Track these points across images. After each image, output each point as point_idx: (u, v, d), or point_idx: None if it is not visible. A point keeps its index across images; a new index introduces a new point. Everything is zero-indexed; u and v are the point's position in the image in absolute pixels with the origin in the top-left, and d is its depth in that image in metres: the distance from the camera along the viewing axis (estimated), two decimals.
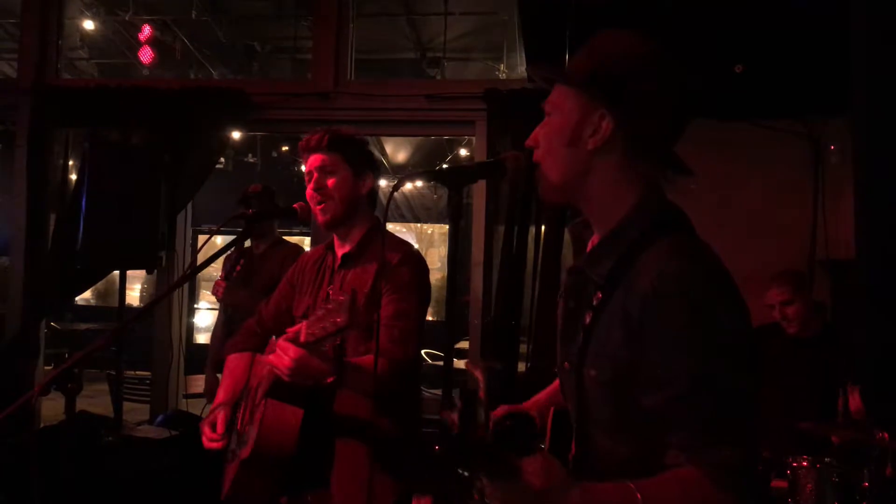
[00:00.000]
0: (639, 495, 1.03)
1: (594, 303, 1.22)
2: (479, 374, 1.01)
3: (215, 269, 3.95)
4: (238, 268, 3.57)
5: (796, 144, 4.02)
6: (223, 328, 3.80)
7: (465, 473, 0.94)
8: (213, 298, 3.79)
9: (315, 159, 2.09)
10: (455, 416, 0.96)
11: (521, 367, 4.15)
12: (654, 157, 1.23)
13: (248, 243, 3.90)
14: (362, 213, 2.15)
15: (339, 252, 2.16)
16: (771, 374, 3.16)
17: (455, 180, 1.21)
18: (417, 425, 2.15)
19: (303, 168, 2.26)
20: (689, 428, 1.07)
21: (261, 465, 1.91)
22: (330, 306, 1.65)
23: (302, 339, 1.70)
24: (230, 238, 2.04)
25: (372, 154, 2.21)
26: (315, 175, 2.08)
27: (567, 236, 4.02)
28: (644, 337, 1.12)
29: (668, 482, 1.07)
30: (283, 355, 1.73)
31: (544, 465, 1.03)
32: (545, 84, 1.31)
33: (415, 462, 2.00)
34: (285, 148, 9.18)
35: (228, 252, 3.73)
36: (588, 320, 1.22)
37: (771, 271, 3.36)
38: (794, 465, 2.51)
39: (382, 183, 10.52)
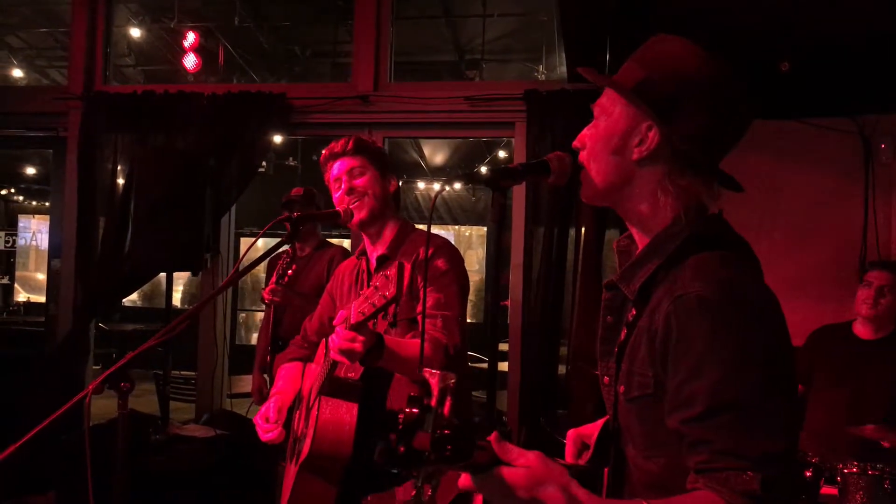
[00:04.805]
0: None
1: (629, 319, 1.21)
2: (432, 381, 1.00)
3: (258, 272, 4.00)
4: (290, 272, 3.61)
5: (846, 142, 3.92)
6: (270, 330, 3.85)
7: (397, 474, 0.94)
8: (255, 302, 3.82)
9: (342, 165, 2.15)
10: (401, 416, 0.95)
11: (562, 369, 4.13)
12: (699, 173, 1.20)
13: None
14: (391, 213, 2.19)
15: (373, 255, 2.19)
16: (835, 376, 3.09)
17: (500, 182, 1.21)
18: (469, 417, 2.15)
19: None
20: (707, 450, 1.03)
21: (319, 465, 1.90)
22: (378, 283, 1.67)
23: (353, 320, 1.71)
24: (273, 241, 2.07)
25: (391, 160, 2.27)
26: (344, 178, 2.14)
27: (604, 239, 3.99)
28: (667, 358, 1.10)
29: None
30: (334, 338, 1.74)
31: (540, 461, 0.99)
32: (600, 86, 1.29)
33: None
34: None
35: (274, 255, 3.77)
36: (623, 336, 1.22)
37: (821, 273, 3.29)
38: (845, 471, 2.44)
39: (421, 185, 10.57)
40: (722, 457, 1.02)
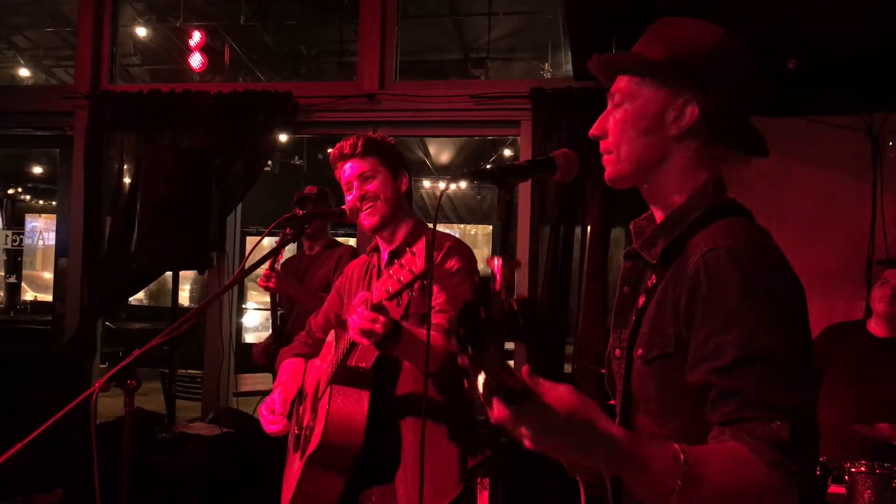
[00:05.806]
0: (682, 456, 0.97)
1: (648, 286, 1.22)
2: (496, 269, 1.00)
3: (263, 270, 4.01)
4: (279, 257, 3.62)
5: (853, 140, 3.90)
6: (279, 325, 3.86)
7: (474, 351, 0.92)
8: (260, 300, 3.84)
9: (353, 168, 2.12)
10: (470, 302, 0.96)
11: (567, 368, 4.13)
12: (734, 138, 1.22)
13: (292, 247, 3.94)
14: (404, 213, 2.18)
15: (385, 251, 2.19)
16: (849, 374, 3.07)
17: (506, 179, 1.21)
18: (474, 414, 2.14)
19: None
20: (736, 400, 1.03)
21: (329, 456, 1.89)
22: (404, 260, 1.64)
23: (375, 299, 1.69)
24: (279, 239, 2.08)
25: (403, 154, 2.24)
26: (356, 183, 2.11)
27: (610, 238, 3.98)
28: (693, 313, 1.10)
29: (715, 453, 1.02)
30: (354, 318, 1.71)
31: (572, 393, 0.96)
32: (605, 81, 1.29)
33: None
34: (331, 150, 9.28)
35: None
36: (641, 303, 1.22)
37: (828, 271, 3.27)
38: (853, 469, 2.43)
39: (426, 184, 10.57)
40: (751, 407, 1.02)
